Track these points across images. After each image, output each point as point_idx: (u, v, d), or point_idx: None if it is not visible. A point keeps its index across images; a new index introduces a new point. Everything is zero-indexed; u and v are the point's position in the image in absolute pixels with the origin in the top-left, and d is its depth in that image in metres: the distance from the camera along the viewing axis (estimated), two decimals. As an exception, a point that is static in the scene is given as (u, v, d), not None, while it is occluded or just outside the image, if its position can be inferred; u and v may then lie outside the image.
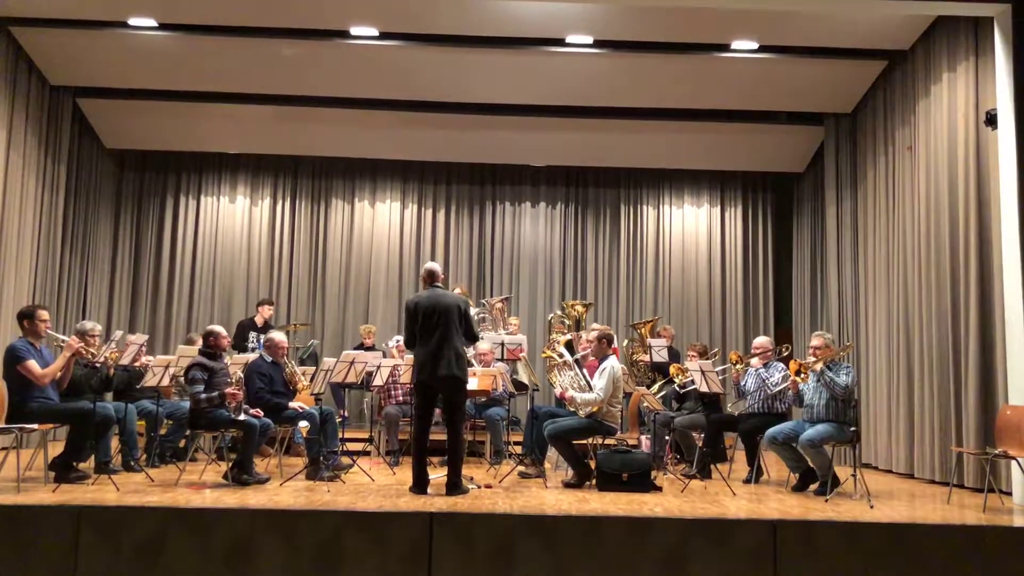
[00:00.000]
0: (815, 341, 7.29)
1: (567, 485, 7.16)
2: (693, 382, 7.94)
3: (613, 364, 7.31)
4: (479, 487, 6.90)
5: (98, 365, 7.24)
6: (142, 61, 9.94)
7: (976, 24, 7.85)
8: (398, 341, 9.96)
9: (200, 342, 7.60)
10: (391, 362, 8.83)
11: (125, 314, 12.19)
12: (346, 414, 10.48)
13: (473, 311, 10.30)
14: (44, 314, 7.01)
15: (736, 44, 9.47)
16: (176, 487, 6.65)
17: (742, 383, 8.01)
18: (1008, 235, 7.05)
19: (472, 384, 7.71)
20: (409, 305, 6.80)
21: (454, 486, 6.52)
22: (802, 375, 7.01)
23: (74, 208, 10.95)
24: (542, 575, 5.26)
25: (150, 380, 7.65)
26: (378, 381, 8.62)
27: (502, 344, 8.86)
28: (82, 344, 6.89)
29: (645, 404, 8.58)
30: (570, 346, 8.04)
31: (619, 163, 12.52)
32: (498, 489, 6.93)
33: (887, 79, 9.59)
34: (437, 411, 7.31)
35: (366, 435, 9.48)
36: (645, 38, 9.46)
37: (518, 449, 8.64)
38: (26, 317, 6.91)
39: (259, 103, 10.99)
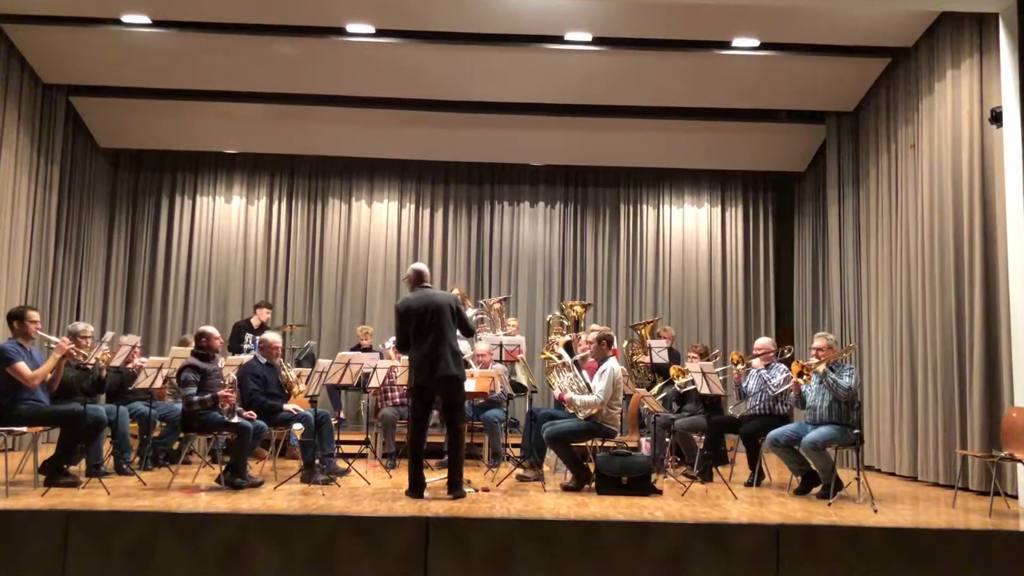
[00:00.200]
0: (818, 342, 7.20)
1: (566, 488, 7.07)
2: (693, 383, 7.85)
3: (613, 366, 7.22)
4: (476, 490, 6.81)
5: (89, 367, 7.14)
6: (136, 59, 9.84)
7: (980, 20, 7.76)
8: (395, 342, 9.86)
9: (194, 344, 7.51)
10: (387, 363, 8.74)
11: (120, 315, 12.08)
12: (343, 416, 10.39)
13: (471, 312, 10.27)
14: (34, 315, 6.91)
15: (737, 41, 9.37)
16: (168, 490, 6.57)
17: (743, 384, 7.93)
18: (1013, 234, 6.96)
19: (470, 386, 7.64)
20: (400, 308, 6.70)
21: (455, 485, 6.45)
22: (804, 377, 6.93)
23: (68, 208, 10.84)
24: (540, 581, 5.18)
25: (143, 382, 7.54)
26: (374, 383, 8.53)
27: (500, 345, 8.77)
28: (73, 346, 6.78)
29: (645, 406, 8.48)
30: (569, 347, 7.98)
31: (619, 162, 12.42)
32: (496, 492, 6.85)
33: (890, 77, 9.49)
34: (435, 413, 7.22)
35: (362, 437, 9.37)
36: (645, 35, 9.36)
37: (516, 452, 8.56)
38: (16, 318, 6.80)
39: (255, 101, 10.89)
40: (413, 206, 12.74)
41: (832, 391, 6.91)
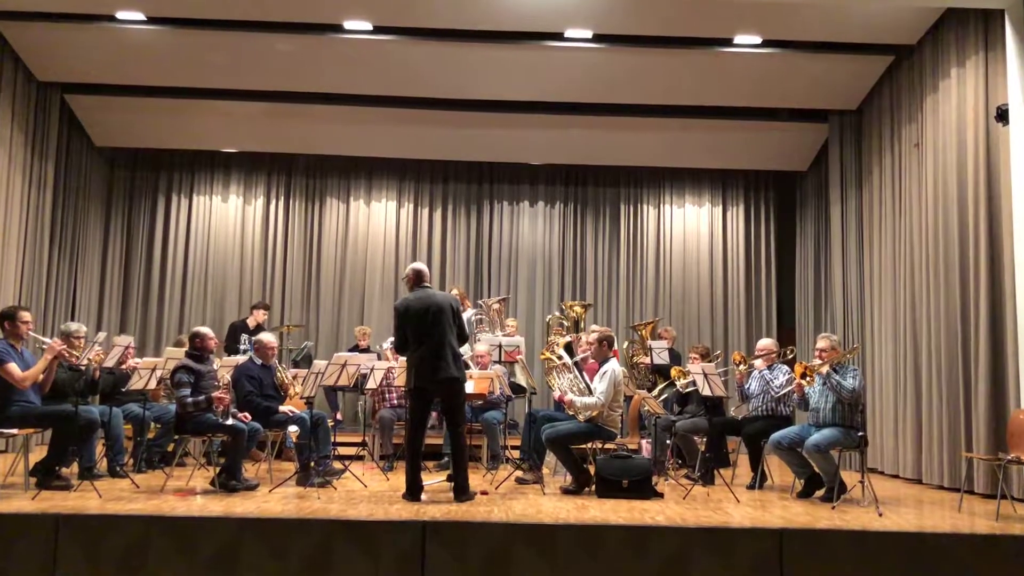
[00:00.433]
0: (821, 343, 7.10)
1: (565, 491, 6.98)
2: (695, 384, 7.75)
3: (614, 367, 7.13)
4: (475, 493, 6.70)
5: (82, 368, 7.05)
6: (131, 56, 9.74)
7: (986, 17, 7.66)
8: (393, 343, 9.77)
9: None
10: (384, 364, 8.65)
11: (115, 315, 11.99)
12: (340, 417, 10.30)
13: (470, 312, 10.18)
14: (26, 315, 6.82)
15: (739, 39, 9.27)
16: (162, 493, 6.48)
17: (745, 386, 7.84)
18: (1019, 233, 6.87)
19: (468, 387, 7.55)
20: (399, 308, 6.59)
21: (462, 491, 6.37)
22: (808, 378, 6.84)
23: (62, 207, 10.73)
24: (539, 587, 5.09)
25: (136, 383, 7.45)
26: (372, 384, 8.44)
27: (499, 346, 8.67)
28: (64, 346, 6.69)
29: (646, 408, 8.39)
30: (569, 348, 7.88)
31: (619, 161, 12.34)
32: (494, 495, 6.76)
33: (893, 74, 9.40)
34: (432, 414, 7.14)
35: (360, 439, 9.28)
36: (646, 32, 9.27)
37: (515, 454, 8.47)
38: (6, 319, 6.71)
39: (252, 99, 10.79)
40: (412, 205, 12.65)
41: (836, 393, 6.82)
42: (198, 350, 7.10)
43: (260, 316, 10.45)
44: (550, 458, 7.85)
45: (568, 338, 9.06)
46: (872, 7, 8.39)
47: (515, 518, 5.64)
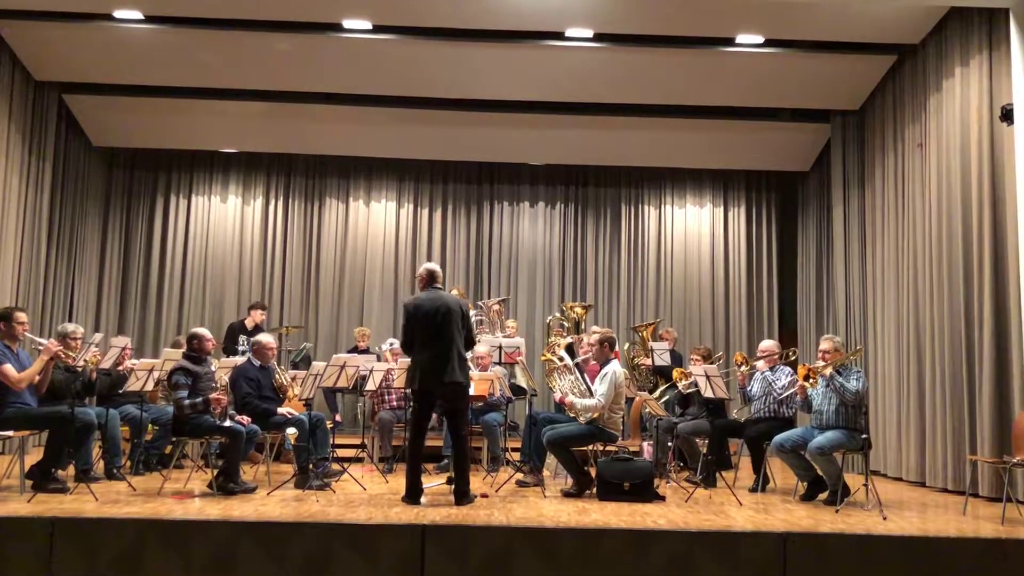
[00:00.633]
0: (824, 345, 7.05)
1: (566, 494, 6.92)
2: (696, 386, 7.70)
3: (615, 369, 7.08)
4: (475, 496, 6.64)
5: (78, 369, 6.99)
6: (130, 56, 9.68)
7: (990, 16, 7.60)
8: (392, 344, 9.74)
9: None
10: (383, 366, 8.60)
11: (113, 316, 11.93)
12: (339, 419, 10.24)
13: (470, 313, 10.12)
14: (21, 316, 6.76)
15: (741, 38, 9.21)
16: (159, 496, 6.43)
17: (747, 388, 7.79)
18: (1025, 234, 6.80)
19: (469, 390, 7.47)
20: (408, 307, 6.52)
21: (463, 495, 6.31)
22: (811, 380, 6.77)
23: (60, 207, 10.66)
24: (540, 591, 5.03)
25: (133, 384, 7.41)
26: (371, 386, 8.38)
27: (499, 347, 8.62)
28: (60, 347, 6.63)
29: (647, 410, 8.33)
30: (571, 349, 7.83)
31: (620, 162, 12.28)
32: (494, 498, 6.71)
33: (896, 74, 9.33)
34: (432, 416, 7.08)
35: (359, 441, 9.22)
36: (647, 31, 9.21)
37: (516, 456, 8.42)
38: (2, 319, 6.64)
39: (251, 99, 10.73)
40: (411, 206, 12.59)
41: (839, 395, 6.76)
42: (196, 351, 7.04)
43: (258, 317, 10.38)
44: (551, 460, 7.81)
45: (569, 339, 9.00)
46: (875, 6, 8.33)
47: (515, 521, 5.59)
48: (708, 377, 7.39)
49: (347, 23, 9.18)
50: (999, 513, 6.20)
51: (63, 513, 5.45)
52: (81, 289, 11.34)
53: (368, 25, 9.20)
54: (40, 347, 6.67)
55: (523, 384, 9.39)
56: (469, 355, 8.56)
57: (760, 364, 7.78)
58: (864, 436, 6.71)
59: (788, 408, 7.60)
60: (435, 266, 6.75)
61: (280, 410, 7.30)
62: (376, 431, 9.00)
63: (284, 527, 5.25)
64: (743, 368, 7.70)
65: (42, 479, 6.45)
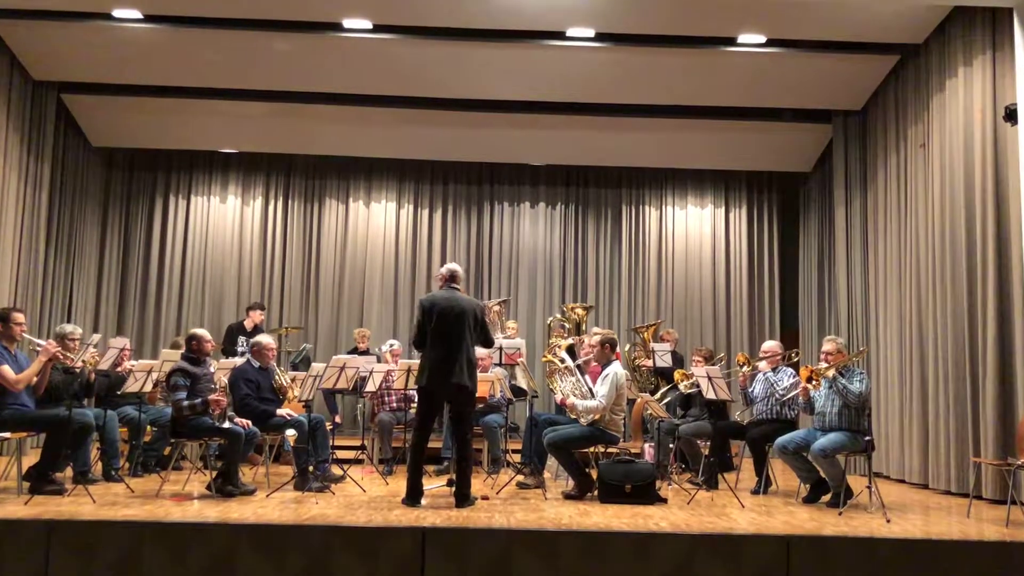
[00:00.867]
0: (827, 346, 7.00)
1: (567, 496, 6.88)
2: (698, 387, 7.65)
3: (616, 370, 7.03)
4: (475, 499, 6.60)
5: (77, 370, 6.94)
6: (128, 55, 9.63)
7: (994, 15, 7.56)
8: (392, 345, 9.70)
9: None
10: (383, 367, 8.55)
11: (112, 317, 11.88)
12: (339, 420, 10.19)
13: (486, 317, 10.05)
14: (19, 317, 6.72)
15: (743, 38, 9.16)
16: (157, 498, 6.38)
17: (750, 389, 7.74)
18: (1029, 235, 6.77)
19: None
20: (424, 303, 6.49)
21: (464, 498, 6.27)
22: (814, 382, 6.72)
23: (59, 208, 10.61)
24: (541, 595, 4.99)
25: (132, 386, 7.38)
26: (371, 387, 8.34)
27: (500, 348, 8.57)
28: (59, 348, 6.59)
29: (649, 411, 8.29)
30: (572, 351, 7.78)
31: (621, 162, 12.24)
32: (495, 500, 6.66)
33: (899, 74, 9.29)
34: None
35: (359, 442, 9.17)
36: (649, 31, 9.16)
37: (516, 458, 8.37)
38: (0, 320, 6.60)
39: (250, 99, 10.67)
40: (411, 207, 12.55)
41: (842, 397, 6.72)
42: (195, 352, 7.00)
43: (257, 317, 10.34)
44: (552, 462, 7.76)
45: (571, 340, 8.96)
46: (878, 6, 8.29)
47: (516, 524, 5.55)
48: (710, 378, 7.35)
49: (347, 23, 9.13)
50: (1003, 516, 6.16)
51: (60, 515, 5.41)
52: (79, 290, 11.29)
53: (368, 25, 9.15)
54: (38, 348, 6.63)
55: (524, 385, 9.35)
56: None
57: (762, 365, 7.74)
58: (867, 438, 6.67)
59: (791, 410, 7.55)
60: (456, 266, 6.71)
61: (279, 411, 7.25)
62: (376, 433, 8.95)
63: (283, 530, 5.21)
64: (745, 369, 7.65)
65: (39, 481, 6.39)
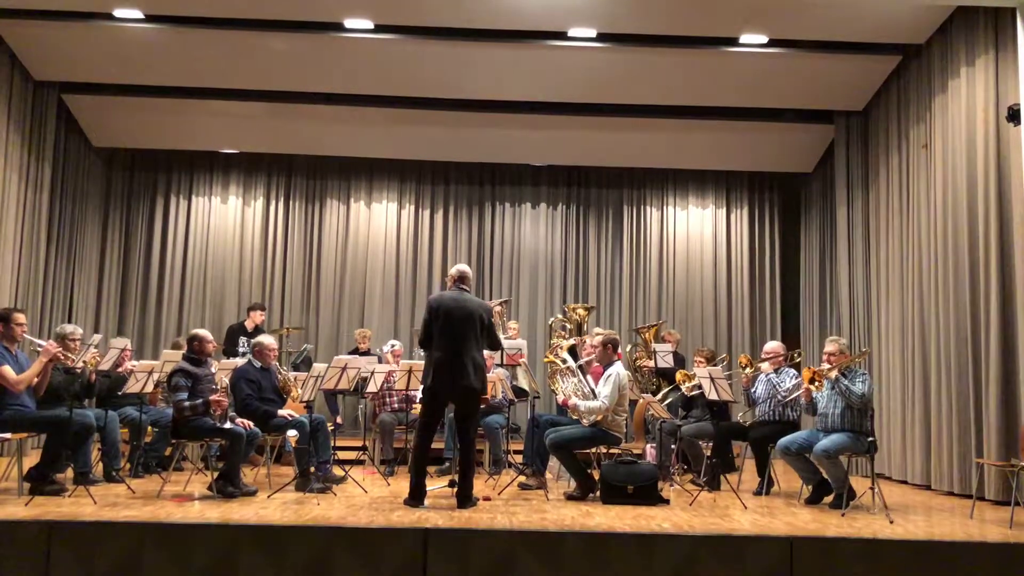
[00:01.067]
0: (829, 347, 6.97)
1: (570, 497, 6.87)
2: (700, 388, 7.63)
3: (619, 371, 7.02)
4: (477, 500, 6.58)
5: (77, 370, 6.93)
6: (130, 55, 9.62)
7: (996, 15, 7.55)
8: (394, 346, 9.68)
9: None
10: (385, 368, 8.53)
11: (113, 318, 11.86)
12: (340, 421, 10.17)
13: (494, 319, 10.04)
14: (20, 317, 6.71)
15: (745, 38, 9.15)
16: (158, 499, 6.36)
17: (752, 390, 7.71)
18: (1032, 235, 6.75)
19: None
20: (432, 303, 6.48)
21: (466, 498, 6.25)
22: (816, 383, 6.70)
23: (60, 208, 10.59)
24: (544, 596, 4.97)
25: (133, 386, 7.37)
26: (372, 388, 8.32)
27: (502, 349, 8.55)
28: (60, 349, 6.57)
29: (651, 412, 8.27)
30: (573, 351, 7.76)
31: (622, 163, 12.21)
32: (497, 501, 6.65)
33: (901, 74, 9.27)
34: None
35: (360, 443, 9.16)
36: (651, 31, 9.15)
37: (518, 459, 8.36)
38: (0, 320, 6.58)
39: (252, 99, 10.67)
40: (412, 207, 12.53)
41: (845, 398, 6.69)
42: (196, 353, 6.97)
43: (258, 318, 10.32)
44: (553, 463, 7.74)
45: (573, 341, 8.95)
46: (880, 6, 8.28)
47: (519, 525, 5.53)
48: (712, 379, 7.33)
49: (349, 23, 9.12)
50: (1007, 517, 6.13)
51: (61, 516, 5.40)
52: (80, 290, 11.27)
53: (370, 25, 9.14)
54: (39, 348, 6.62)
55: (525, 386, 9.34)
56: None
57: (765, 366, 7.72)
58: (870, 439, 6.65)
59: (793, 411, 7.53)
60: (466, 268, 6.69)
61: (281, 412, 7.24)
62: (377, 433, 8.93)
63: (285, 531, 5.18)
64: (748, 371, 7.63)
65: (40, 482, 6.38)
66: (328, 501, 6.44)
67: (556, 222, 12.57)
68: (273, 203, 12.44)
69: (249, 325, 10.23)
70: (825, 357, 6.94)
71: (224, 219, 12.32)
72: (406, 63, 9.75)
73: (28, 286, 9.81)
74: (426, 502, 6.27)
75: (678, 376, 8.15)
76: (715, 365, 8.12)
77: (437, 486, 7.06)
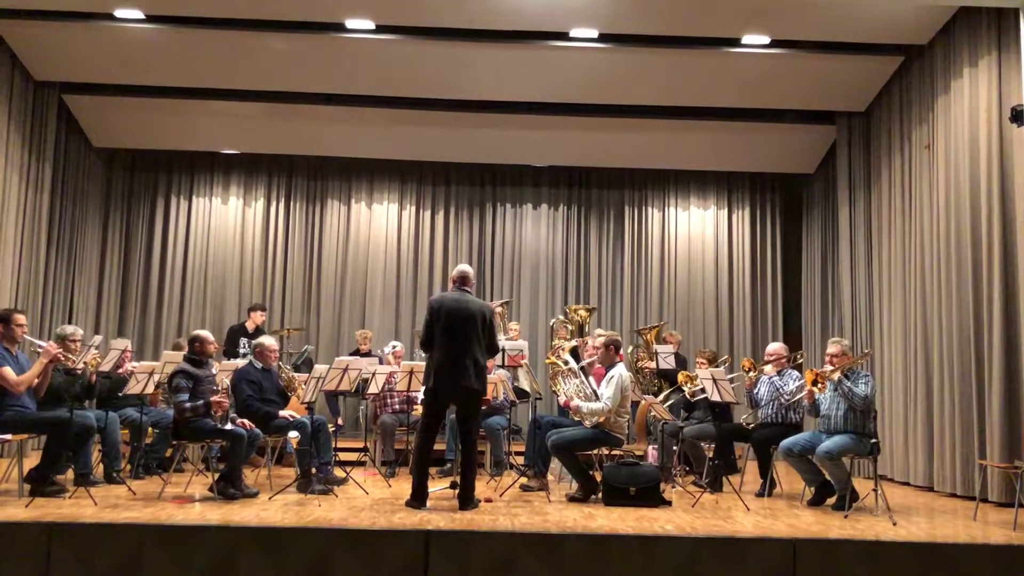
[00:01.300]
0: (832, 348, 6.94)
1: (571, 499, 6.85)
2: (703, 390, 7.61)
3: (621, 372, 7.00)
4: (479, 501, 6.56)
5: (78, 372, 6.91)
6: (130, 55, 9.60)
7: (999, 16, 7.53)
8: (395, 347, 9.66)
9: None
10: (386, 369, 8.51)
11: (114, 319, 11.84)
12: (341, 423, 10.15)
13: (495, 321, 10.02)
14: (21, 318, 6.70)
15: (746, 39, 9.12)
16: (159, 500, 6.35)
17: (754, 391, 7.69)
18: (1035, 236, 6.73)
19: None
20: (433, 304, 6.47)
21: (468, 500, 6.24)
22: (819, 385, 6.67)
23: (60, 208, 10.56)
24: (546, 598, 4.95)
25: (134, 387, 7.35)
26: (373, 389, 8.30)
27: (503, 350, 8.52)
28: (60, 350, 6.55)
29: (653, 414, 8.25)
30: (575, 353, 7.74)
31: (623, 163, 12.19)
32: (499, 503, 6.63)
33: (903, 75, 9.25)
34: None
35: (361, 445, 9.14)
36: (652, 31, 9.13)
37: (520, 460, 8.33)
38: (1, 321, 6.57)
39: (253, 100, 10.65)
40: (413, 208, 12.51)
41: (847, 400, 6.67)
42: (197, 354, 6.96)
43: (258, 318, 10.30)
44: (555, 464, 7.72)
45: (575, 342, 8.93)
46: (882, 7, 8.25)
47: (520, 527, 5.52)
48: (715, 381, 7.31)
49: (350, 23, 9.10)
50: (1010, 519, 6.13)
51: (61, 518, 5.38)
52: (81, 291, 11.25)
53: (371, 25, 9.12)
54: (39, 349, 6.61)
55: (527, 387, 9.32)
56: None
57: (768, 368, 7.69)
58: (873, 441, 6.63)
59: (795, 413, 7.51)
60: (468, 268, 6.67)
61: (282, 413, 7.22)
62: (378, 435, 8.91)
63: (286, 532, 5.17)
64: (751, 374, 7.60)
65: (40, 483, 6.36)
66: (329, 502, 6.42)
67: (557, 223, 12.55)
68: (274, 204, 12.42)
69: (250, 326, 10.21)
70: (827, 358, 6.92)
71: (225, 220, 12.30)
72: (407, 63, 9.73)
73: (28, 287, 9.79)
74: (428, 504, 6.25)
75: (680, 377, 8.12)
76: (717, 366, 8.09)
77: (439, 487, 7.04)
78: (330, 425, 7.59)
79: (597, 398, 7.02)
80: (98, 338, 7.71)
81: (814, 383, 6.67)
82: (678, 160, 11.99)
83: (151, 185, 12.29)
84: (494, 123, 11.09)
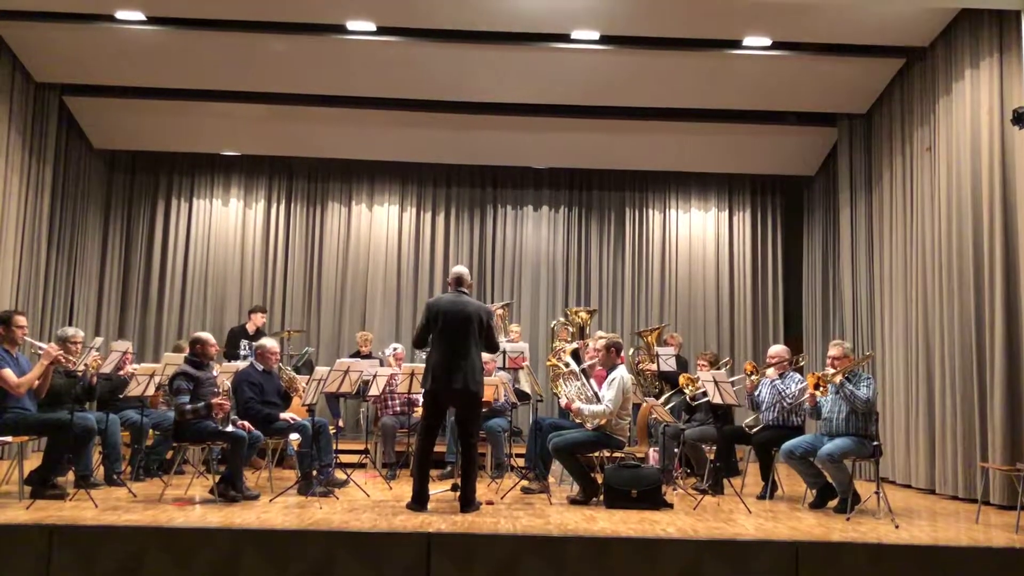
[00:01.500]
0: (833, 351, 6.93)
1: (573, 501, 6.84)
2: (704, 393, 7.60)
3: (622, 374, 6.99)
4: (480, 503, 6.55)
5: (79, 373, 6.90)
6: (131, 57, 9.60)
7: (1000, 18, 7.52)
8: (395, 349, 9.66)
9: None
10: (387, 371, 8.51)
11: (114, 321, 11.83)
12: (342, 425, 10.15)
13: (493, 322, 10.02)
14: (21, 320, 6.68)
15: (748, 41, 9.12)
16: (160, 503, 6.35)
17: (756, 394, 7.67)
18: (1037, 238, 6.72)
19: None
20: (430, 305, 6.48)
21: (468, 502, 6.23)
22: (821, 388, 6.66)
23: (60, 210, 10.56)
24: (548, 601, 4.94)
25: (134, 389, 7.35)
26: (374, 391, 8.29)
27: (504, 352, 8.53)
28: (61, 352, 6.54)
29: (654, 416, 8.24)
30: (576, 355, 7.73)
31: (624, 165, 12.18)
32: (500, 506, 6.63)
33: (904, 77, 9.25)
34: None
35: (362, 447, 9.14)
36: (653, 33, 9.12)
37: (521, 463, 8.32)
38: (1, 323, 6.56)
39: (253, 101, 10.63)
40: (414, 209, 12.50)
41: (849, 403, 6.66)
42: (198, 356, 6.95)
43: (259, 320, 10.29)
44: (556, 467, 7.70)
45: (576, 345, 8.93)
46: (883, 9, 8.25)
47: (522, 529, 5.52)
48: (717, 383, 7.30)
49: (351, 25, 9.09)
50: (1012, 522, 6.12)
51: (62, 520, 5.38)
52: (81, 293, 11.24)
53: (372, 27, 9.11)
54: (40, 351, 6.59)
55: (527, 389, 9.32)
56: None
57: (771, 372, 7.67)
58: (875, 443, 6.62)
59: (797, 416, 7.50)
60: (463, 269, 6.69)
61: (283, 415, 7.21)
62: (379, 437, 8.90)
63: (287, 535, 5.17)
64: (753, 377, 7.58)
65: (41, 485, 6.35)
66: (330, 505, 6.41)
67: (558, 225, 12.54)
68: (274, 205, 12.41)
69: (250, 328, 10.20)
70: (829, 361, 6.91)
71: (225, 221, 12.29)
72: (408, 65, 9.72)
73: (29, 288, 9.78)
74: (429, 506, 6.24)
75: (681, 380, 8.11)
76: (718, 369, 8.08)
77: (439, 490, 7.04)
78: (331, 427, 7.58)
79: (598, 400, 7.01)
80: (99, 340, 7.70)
81: (816, 386, 6.66)
82: (679, 162, 11.98)
83: (152, 187, 12.28)
84: (495, 125, 11.09)
